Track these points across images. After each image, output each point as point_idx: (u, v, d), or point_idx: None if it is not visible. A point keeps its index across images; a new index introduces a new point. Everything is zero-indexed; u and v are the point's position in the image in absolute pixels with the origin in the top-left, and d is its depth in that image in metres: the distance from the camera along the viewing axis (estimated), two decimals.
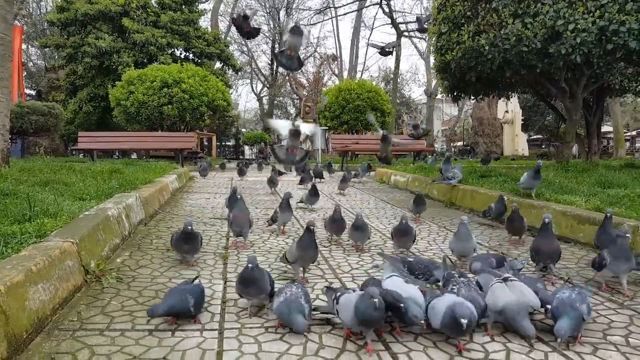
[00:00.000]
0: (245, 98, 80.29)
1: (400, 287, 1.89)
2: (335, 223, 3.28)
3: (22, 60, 19.21)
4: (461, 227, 2.75)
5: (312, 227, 2.37)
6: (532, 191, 4.32)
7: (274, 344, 1.75)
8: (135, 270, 2.61)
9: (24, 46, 22.86)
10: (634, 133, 26.24)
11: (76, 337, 1.75)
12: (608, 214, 2.79)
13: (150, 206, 4.30)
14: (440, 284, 2.15)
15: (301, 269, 2.47)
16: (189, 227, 2.63)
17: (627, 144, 23.60)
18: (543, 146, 25.66)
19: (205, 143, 23.37)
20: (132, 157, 15.69)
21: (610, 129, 21.23)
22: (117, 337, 1.76)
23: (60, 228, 2.51)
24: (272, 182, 6.28)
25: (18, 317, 1.64)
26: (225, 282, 2.45)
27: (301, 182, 6.81)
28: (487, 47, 6.35)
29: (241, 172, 8.15)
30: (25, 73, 22.69)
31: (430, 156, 11.73)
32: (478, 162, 10.18)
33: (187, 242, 2.66)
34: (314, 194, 4.76)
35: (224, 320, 1.95)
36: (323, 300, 2.16)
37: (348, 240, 3.38)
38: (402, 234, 2.98)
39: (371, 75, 38.21)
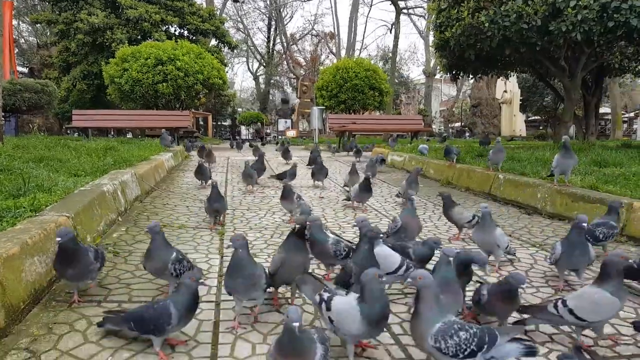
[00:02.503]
0: (241, 77, 79.35)
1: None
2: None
3: (14, 37, 18.81)
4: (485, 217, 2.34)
5: (301, 227, 1.83)
6: (566, 176, 3.66)
7: (270, 315, 1.77)
8: (132, 245, 2.62)
9: (14, 22, 22.37)
10: (631, 115, 26.16)
11: (73, 308, 1.76)
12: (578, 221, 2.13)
13: (145, 183, 4.29)
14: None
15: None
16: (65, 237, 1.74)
17: (625, 125, 23.55)
18: (541, 127, 25.63)
19: (201, 123, 23.18)
20: (128, 136, 15.58)
21: (608, 110, 21.18)
22: (114, 309, 1.77)
23: (56, 203, 2.50)
24: (248, 177, 4.63)
25: (15, 288, 1.65)
26: (222, 257, 2.47)
27: (313, 176, 5.18)
28: (486, 24, 6.27)
29: (201, 174, 4.80)
30: (16, 50, 22.27)
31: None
32: (476, 142, 10.14)
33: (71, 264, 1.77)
34: (365, 189, 3.76)
35: (220, 294, 1.97)
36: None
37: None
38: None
39: (369, 54, 37.79)
